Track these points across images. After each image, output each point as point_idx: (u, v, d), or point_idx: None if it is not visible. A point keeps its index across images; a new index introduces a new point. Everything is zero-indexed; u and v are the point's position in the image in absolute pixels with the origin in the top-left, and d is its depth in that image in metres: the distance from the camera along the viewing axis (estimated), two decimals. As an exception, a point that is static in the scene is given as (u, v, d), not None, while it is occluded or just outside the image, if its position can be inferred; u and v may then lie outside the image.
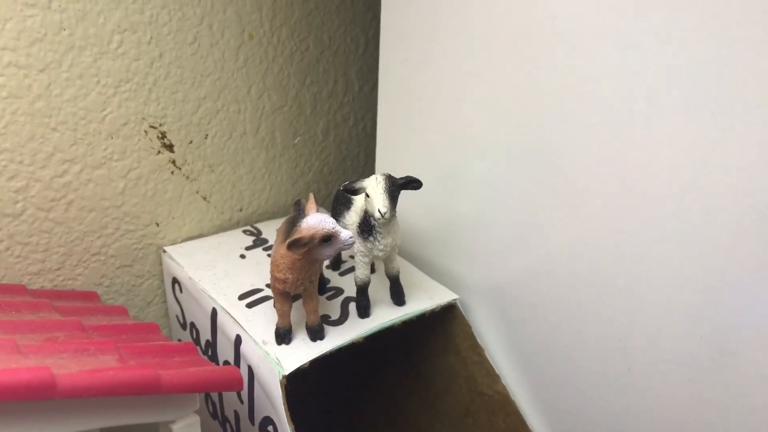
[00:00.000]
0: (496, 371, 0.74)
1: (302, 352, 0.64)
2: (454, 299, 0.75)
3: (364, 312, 0.70)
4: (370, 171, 1.07)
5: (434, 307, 0.74)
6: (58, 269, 0.79)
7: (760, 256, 0.49)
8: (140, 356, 0.59)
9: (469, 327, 0.75)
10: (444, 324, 0.78)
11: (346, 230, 0.59)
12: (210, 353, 0.76)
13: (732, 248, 0.50)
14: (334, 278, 0.79)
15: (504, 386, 0.74)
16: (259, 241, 0.88)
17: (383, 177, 0.62)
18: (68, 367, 0.50)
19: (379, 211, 0.61)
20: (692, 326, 0.54)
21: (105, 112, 0.76)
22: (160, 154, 0.83)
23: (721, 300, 0.52)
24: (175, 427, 0.58)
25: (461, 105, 0.70)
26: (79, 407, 0.51)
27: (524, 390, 0.73)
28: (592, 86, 0.56)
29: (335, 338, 0.67)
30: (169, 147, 0.83)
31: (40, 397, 0.46)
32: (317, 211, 0.61)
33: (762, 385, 0.51)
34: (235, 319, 0.70)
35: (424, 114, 0.76)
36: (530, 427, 0.73)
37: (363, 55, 1.00)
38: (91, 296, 0.79)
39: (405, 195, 0.65)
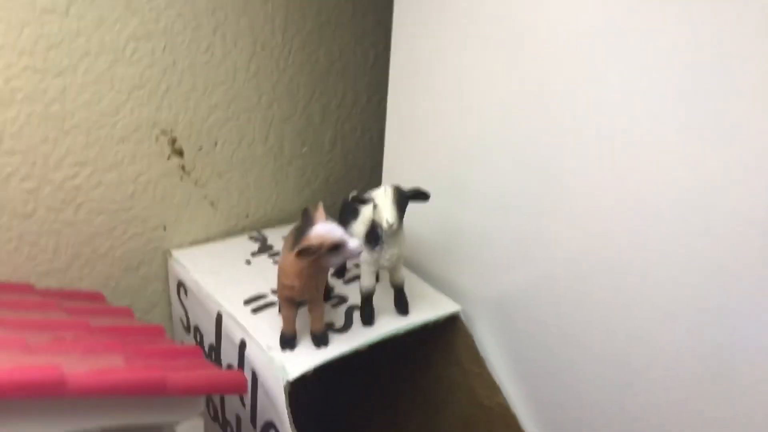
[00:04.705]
0: (497, 383, 0.75)
1: (307, 358, 0.65)
2: (457, 310, 0.76)
3: (368, 320, 0.71)
4: (375, 182, 1.08)
5: (437, 317, 0.74)
6: (66, 270, 0.80)
7: (760, 276, 0.49)
8: (146, 358, 0.59)
9: (471, 338, 0.76)
10: (446, 335, 0.79)
11: (354, 239, 0.60)
12: (214, 357, 0.77)
13: (734, 264, 0.51)
14: (339, 286, 0.80)
15: (504, 398, 0.74)
16: (265, 248, 0.89)
17: (392, 188, 0.63)
18: (77, 366, 0.50)
19: (387, 221, 0.62)
20: (694, 343, 0.55)
21: (117, 117, 0.77)
22: (170, 160, 0.84)
23: (723, 318, 0.52)
24: (178, 428, 0.59)
25: (468, 118, 0.71)
26: (86, 406, 0.52)
27: (524, 403, 0.73)
28: (598, 102, 0.57)
29: (339, 345, 0.67)
30: (179, 153, 0.84)
31: (51, 395, 0.47)
32: (326, 220, 0.62)
33: (762, 404, 0.51)
34: (240, 323, 0.70)
35: (431, 126, 0.77)
36: (529, 439, 0.73)
37: (372, 68, 1.01)
38: (97, 297, 0.80)
39: (411, 206, 0.66)
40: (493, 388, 0.75)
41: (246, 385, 0.61)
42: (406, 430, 0.91)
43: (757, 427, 0.52)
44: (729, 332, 0.52)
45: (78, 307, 0.70)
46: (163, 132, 0.82)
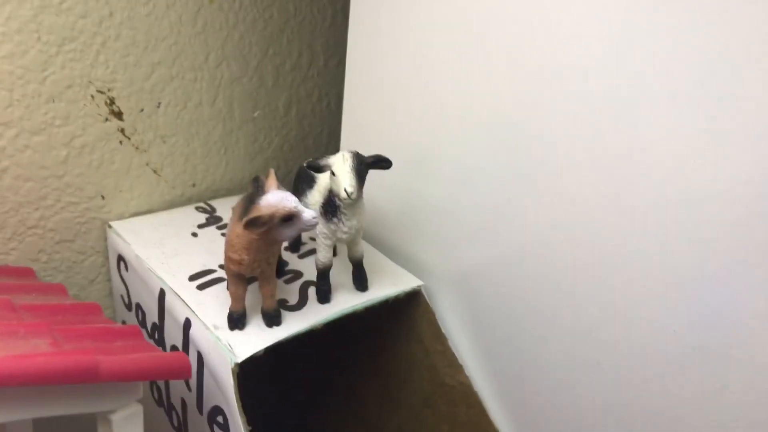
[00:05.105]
0: (459, 361, 0.72)
1: (257, 338, 0.60)
2: (419, 286, 0.72)
3: (324, 297, 0.67)
4: (332, 150, 1.03)
5: (398, 293, 0.71)
6: (-10, 242, 0.72)
7: (739, 252, 0.47)
8: (77, 340, 0.54)
9: (433, 315, 0.73)
10: (407, 311, 0.75)
11: (309, 210, 0.55)
12: (157, 337, 0.71)
13: (711, 243, 0.48)
14: (293, 261, 0.75)
15: (467, 377, 0.72)
16: (213, 219, 0.83)
17: (351, 154, 0.58)
18: (-7, 351, 0.45)
19: (345, 190, 0.57)
20: (666, 321, 0.53)
21: (46, 73, 0.70)
22: (108, 122, 0.76)
23: (697, 295, 0.50)
24: (114, 417, 0.53)
25: (435, 83, 0.67)
26: (7, 396, 0.46)
27: (488, 381, 0.71)
28: (572, 71, 0.54)
29: (293, 324, 0.63)
30: (118, 114, 0.77)
31: (-42, 385, 0.41)
32: (278, 188, 0.57)
33: (736, 383, 0.50)
34: (184, 301, 0.65)
35: (394, 91, 0.72)
36: (492, 419, 0.71)
37: (330, 27, 0.95)
38: (25, 272, 0.73)
39: (371, 176, 0.61)
40: (456, 366, 0.72)
41: (190, 369, 0.56)
42: (366, 409, 0.87)
43: (729, 407, 0.50)
44: (704, 307, 0.50)
45: (1, 284, 0.63)
46: (100, 91, 0.75)
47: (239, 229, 0.55)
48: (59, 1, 0.68)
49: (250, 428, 0.58)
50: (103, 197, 0.80)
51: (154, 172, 0.84)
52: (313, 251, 0.76)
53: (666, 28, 0.47)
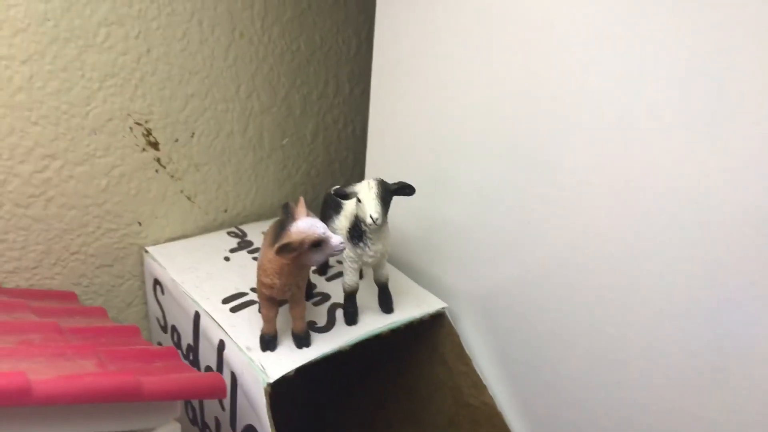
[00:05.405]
0: (483, 382, 0.73)
1: (287, 359, 0.63)
2: (443, 308, 0.74)
3: (351, 319, 0.69)
4: (358, 174, 1.06)
5: (422, 315, 0.72)
6: (35, 268, 0.76)
7: (753, 272, 0.48)
8: (120, 361, 0.57)
9: (457, 336, 0.74)
10: (431, 333, 0.77)
11: (337, 236, 0.58)
12: (192, 358, 0.74)
13: (727, 263, 0.49)
14: (321, 284, 0.77)
15: (491, 397, 0.73)
16: (244, 244, 0.86)
17: (376, 182, 0.61)
18: (44, 372, 0.48)
19: (371, 217, 0.60)
20: (685, 341, 0.54)
21: (89, 107, 0.74)
22: (145, 152, 0.80)
23: (715, 315, 0.51)
24: (154, 434, 0.56)
25: (456, 111, 0.69)
26: (56, 414, 0.49)
27: (511, 402, 0.72)
28: (588, 92, 0.55)
29: (321, 345, 0.65)
30: (155, 145, 0.81)
31: (15, 403, 0.44)
32: (307, 215, 0.60)
33: (754, 403, 0.50)
34: (218, 323, 0.68)
35: (416, 118, 0.75)
36: (516, 439, 0.72)
37: (354, 57, 0.98)
38: (68, 296, 0.77)
39: (395, 200, 0.64)
40: (479, 386, 0.74)
41: (225, 388, 0.58)
42: (391, 429, 0.89)
43: (750, 426, 0.51)
44: (722, 329, 0.51)
45: (48, 307, 0.67)
46: (138, 123, 0.79)
47: (271, 254, 0.58)
48: (102, 40, 0.72)
49: (281, 446, 0.60)
50: (140, 223, 0.83)
51: (188, 199, 0.87)
52: (340, 274, 0.78)
53: (680, 53, 0.49)
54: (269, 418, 0.59)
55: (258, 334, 0.65)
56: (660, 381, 0.56)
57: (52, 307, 0.68)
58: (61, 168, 0.74)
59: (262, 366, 0.61)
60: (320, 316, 0.70)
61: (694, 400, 0.54)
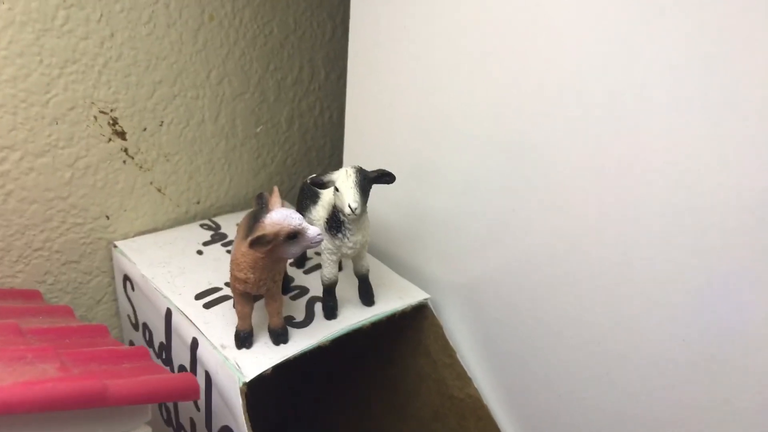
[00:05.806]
0: (468, 374, 0.72)
1: (264, 357, 0.60)
2: (426, 299, 0.72)
3: (331, 313, 0.66)
4: (336, 163, 1.03)
5: (405, 307, 0.70)
6: (-4, 266, 0.72)
7: (747, 259, 0.47)
8: (85, 363, 0.53)
9: (441, 328, 0.72)
10: (414, 325, 0.75)
11: (314, 227, 0.55)
12: (164, 357, 0.71)
13: (719, 250, 0.48)
14: (299, 277, 0.75)
15: (476, 389, 0.71)
16: (218, 236, 0.83)
17: (354, 170, 0.58)
18: (1, 378, 0.44)
19: (349, 206, 0.57)
20: (675, 330, 0.52)
21: (49, 95, 0.70)
22: (111, 142, 0.77)
23: (706, 303, 0.50)
24: (123, 440, 0.53)
25: (437, 95, 0.66)
26: (14, 423, 0.46)
27: (497, 394, 0.70)
28: (576, 79, 0.53)
29: (300, 341, 0.62)
30: (121, 134, 0.77)
31: (-34, 415, 0.41)
32: (282, 205, 0.57)
33: (747, 392, 0.49)
34: (191, 320, 0.65)
35: (396, 104, 0.72)
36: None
37: (330, 41, 0.95)
38: (32, 295, 0.73)
39: (375, 189, 0.61)
40: (464, 378, 0.72)
41: (198, 390, 0.55)
42: (375, 424, 0.87)
43: (740, 416, 0.50)
44: (713, 315, 0.50)
45: (8, 307, 0.63)
46: (102, 111, 0.75)
47: (244, 247, 0.55)
48: (61, 23, 0.68)
49: (259, 447, 0.58)
50: (107, 217, 0.80)
51: (159, 190, 0.84)
52: (318, 267, 0.76)
53: (670, 37, 0.47)
54: (246, 419, 0.57)
55: (233, 331, 0.62)
56: (651, 371, 0.55)
57: (13, 307, 0.64)
58: (20, 160, 0.70)
59: (237, 365, 0.59)
60: (298, 310, 0.68)
61: (686, 390, 0.53)
